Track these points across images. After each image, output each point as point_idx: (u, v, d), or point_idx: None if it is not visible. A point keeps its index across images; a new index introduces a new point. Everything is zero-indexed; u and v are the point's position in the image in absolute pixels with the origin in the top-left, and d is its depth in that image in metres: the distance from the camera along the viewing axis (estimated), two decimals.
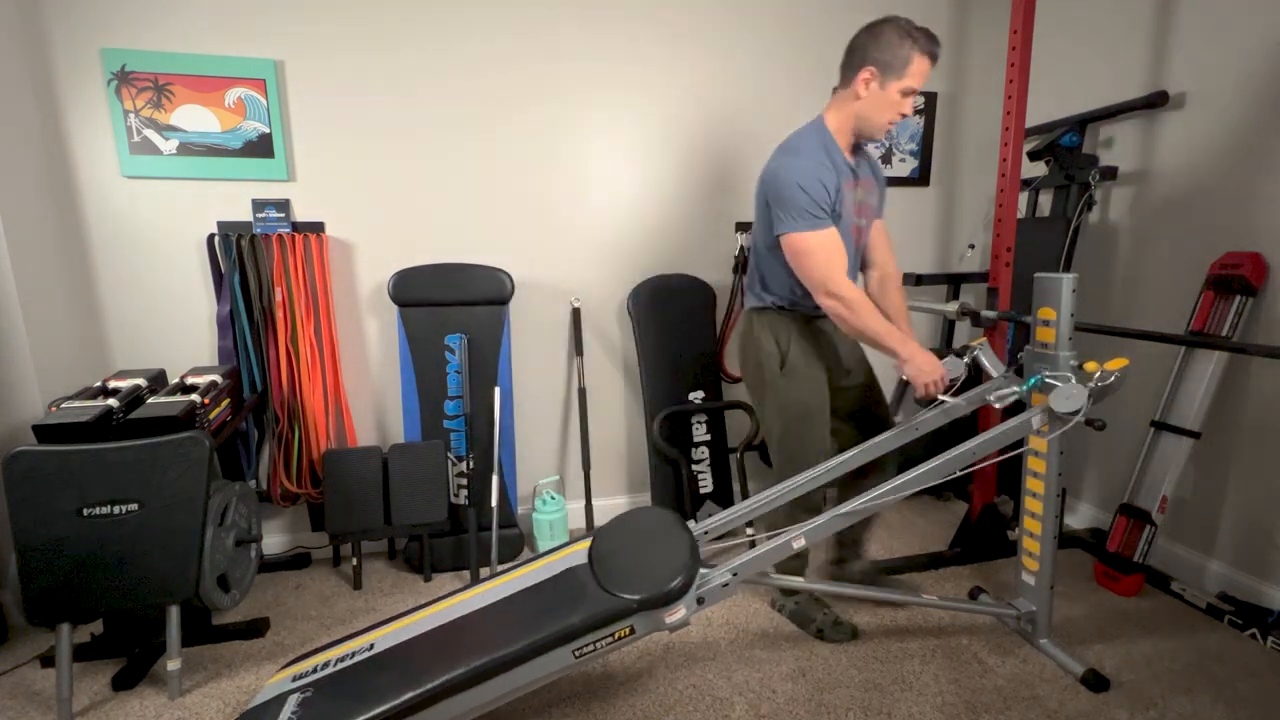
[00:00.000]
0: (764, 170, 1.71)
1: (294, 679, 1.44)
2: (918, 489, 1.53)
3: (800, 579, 1.75)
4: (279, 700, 1.36)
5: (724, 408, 2.56)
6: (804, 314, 1.78)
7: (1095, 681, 1.62)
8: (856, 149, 1.74)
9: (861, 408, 1.89)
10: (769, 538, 1.47)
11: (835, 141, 1.67)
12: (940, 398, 1.67)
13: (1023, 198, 2.40)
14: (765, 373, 1.77)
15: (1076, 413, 1.50)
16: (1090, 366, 1.56)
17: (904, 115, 1.64)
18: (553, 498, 2.44)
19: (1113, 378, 1.51)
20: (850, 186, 1.69)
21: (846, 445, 1.81)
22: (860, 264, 1.86)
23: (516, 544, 2.37)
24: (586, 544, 1.54)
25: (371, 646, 1.46)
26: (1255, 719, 1.53)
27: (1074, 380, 1.55)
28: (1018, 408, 1.72)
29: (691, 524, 1.60)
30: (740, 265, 2.57)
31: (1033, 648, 1.78)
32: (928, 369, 1.61)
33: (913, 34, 1.56)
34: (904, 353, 1.61)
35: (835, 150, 1.67)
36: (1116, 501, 2.16)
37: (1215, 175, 1.99)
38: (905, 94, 1.59)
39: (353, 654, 1.46)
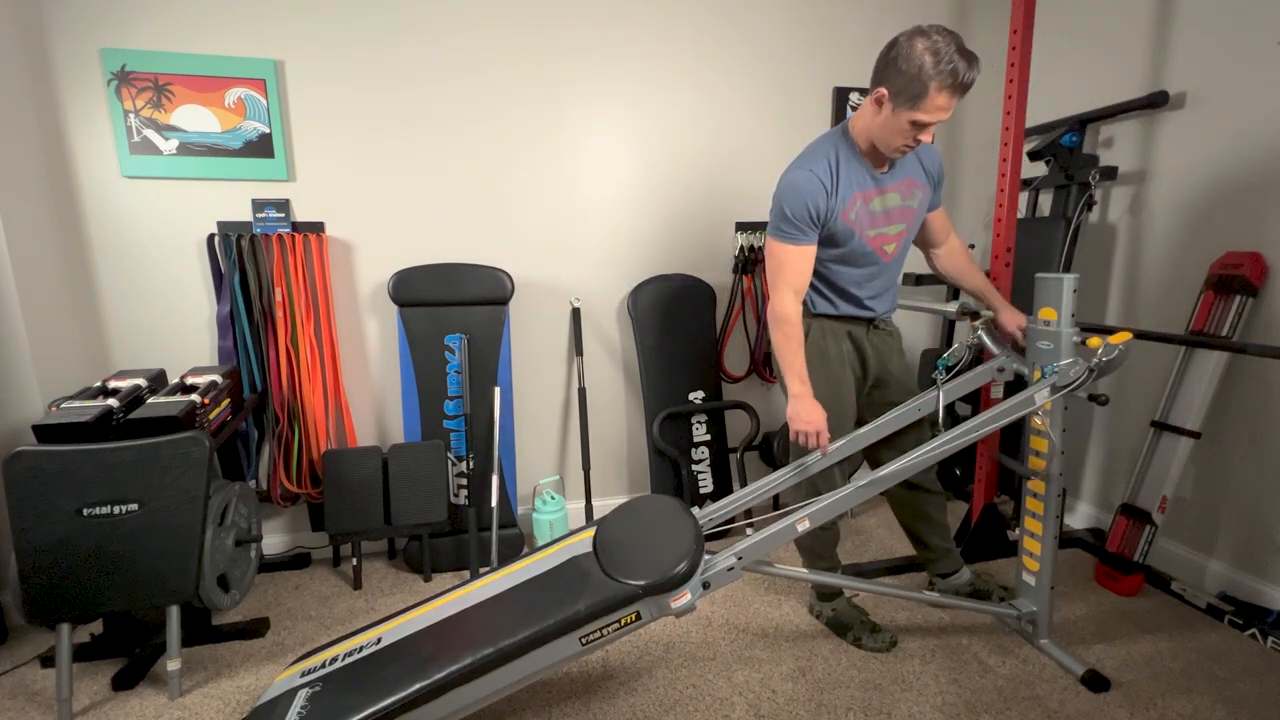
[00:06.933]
0: None
1: (302, 675, 1.45)
2: (925, 466, 1.55)
3: (799, 569, 1.73)
4: (288, 695, 1.37)
5: (724, 408, 2.56)
6: (828, 316, 1.72)
7: (1095, 681, 1.62)
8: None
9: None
10: (772, 519, 1.47)
11: (857, 149, 1.58)
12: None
13: (1023, 198, 2.40)
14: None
15: (1079, 384, 1.51)
16: (1093, 342, 1.55)
17: (919, 142, 1.48)
18: (553, 498, 2.44)
19: (1116, 352, 1.51)
20: (869, 197, 1.60)
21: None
22: (925, 244, 1.83)
23: (516, 544, 2.37)
24: (590, 533, 1.54)
25: (379, 640, 1.47)
26: (1255, 719, 1.53)
27: (1077, 355, 1.56)
28: (1019, 387, 1.71)
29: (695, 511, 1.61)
30: (740, 265, 2.57)
31: (1033, 648, 1.78)
32: (805, 417, 1.53)
33: (939, 62, 1.35)
34: (792, 391, 1.56)
35: (852, 161, 1.57)
36: (1116, 501, 2.16)
37: (1215, 175, 1.99)
38: (916, 125, 1.44)
39: (361, 648, 1.47)
